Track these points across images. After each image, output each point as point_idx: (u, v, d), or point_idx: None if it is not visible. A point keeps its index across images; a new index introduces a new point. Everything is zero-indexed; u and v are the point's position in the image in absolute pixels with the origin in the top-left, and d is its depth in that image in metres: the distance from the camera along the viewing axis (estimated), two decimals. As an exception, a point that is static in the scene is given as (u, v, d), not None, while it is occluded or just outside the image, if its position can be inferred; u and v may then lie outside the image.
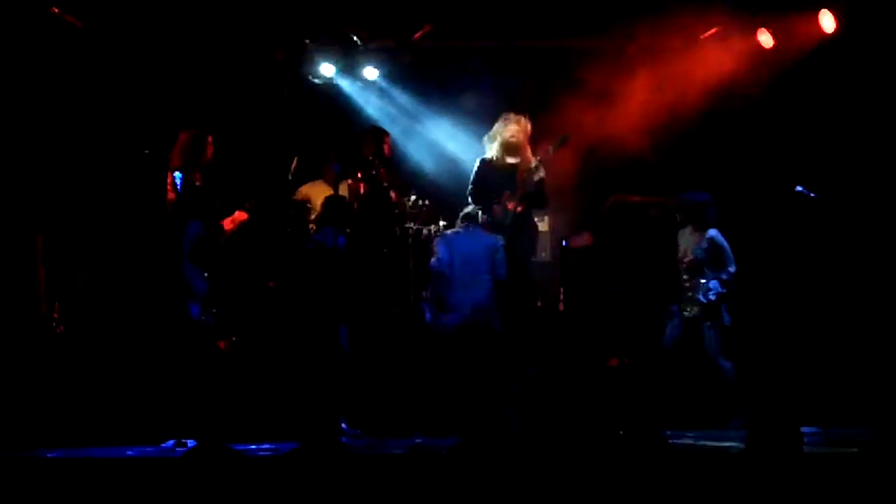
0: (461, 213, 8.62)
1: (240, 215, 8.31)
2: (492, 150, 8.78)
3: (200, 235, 7.70)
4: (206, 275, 7.66)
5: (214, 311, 7.66)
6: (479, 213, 8.59)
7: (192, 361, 7.47)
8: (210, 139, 8.04)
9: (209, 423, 7.25)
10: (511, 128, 8.69)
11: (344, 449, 6.53)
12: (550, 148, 8.75)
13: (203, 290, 7.60)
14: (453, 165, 10.26)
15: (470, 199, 8.79)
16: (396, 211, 9.23)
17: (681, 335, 8.54)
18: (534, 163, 8.72)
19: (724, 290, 8.44)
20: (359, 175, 9.05)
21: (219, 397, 7.55)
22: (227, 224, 8.23)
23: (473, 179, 8.81)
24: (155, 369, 8.08)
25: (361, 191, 9.09)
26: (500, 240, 8.38)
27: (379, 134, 9.32)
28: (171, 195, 7.80)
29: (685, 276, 8.58)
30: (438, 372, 8.40)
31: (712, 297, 8.43)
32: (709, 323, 8.44)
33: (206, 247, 7.71)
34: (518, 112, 8.84)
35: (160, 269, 7.78)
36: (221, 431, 7.35)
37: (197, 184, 7.88)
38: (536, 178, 8.71)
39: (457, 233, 8.54)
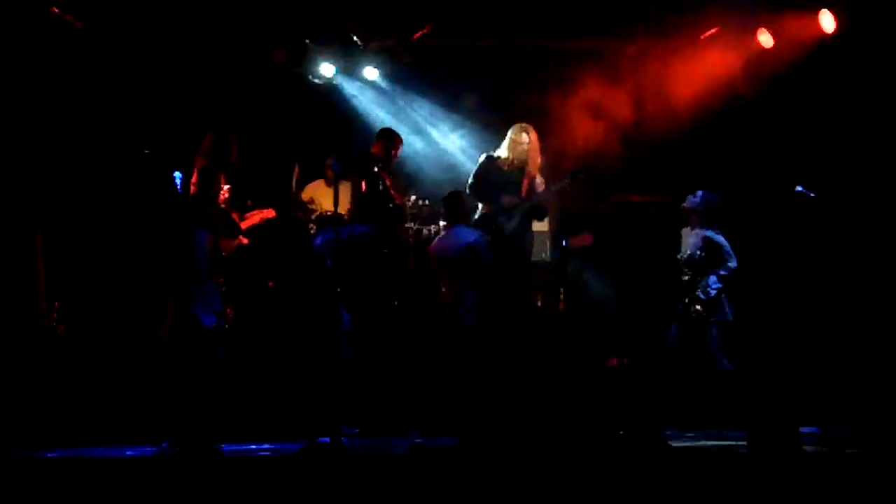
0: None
1: (267, 213, 7.96)
2: (502, 150, 8.82)
3: (209, 246, 7.34)
4: (219, 287, 7.46)
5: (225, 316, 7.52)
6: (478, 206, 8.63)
7: (193, 364, 7.41)
8: (235, 141, 7.56)
9: (204, 425, 7.21)
10: (524, 137, 8.75)
11: (344, 449, 6.54)
12: (566, 180, 8.80)
13: (220, 306, 7.37)
14: (453, 165, 10.25)
15: (469, 191, 8.79)
16: (397, 210, 9.21)
17: (684, 334, 8.55)
18: (538, 176, 8.78)
19: (722, 285, 8.46)
20: (375, 170, 8.90)
21: (218, 399, 7.52)
22: (247, 222, 7.81)
23: (476, 173, 8.84)
24: (154, 370, 8.06)
25: (363, 189, 9.05)
26: (480, 235, 8.41)
27: (392, 136, 9.28)
28: (193, 189, 7.34)
29: (686, 275, 8.59)
30: (438, 371, 8.40)
31: (712, 293, 8.44)
32: (711, 319, 8.45)
33: (215, 258, 7.41)
34: (517, 113, 8.85)
35: (166, 276, 7.61)
36: (220, 432, 7.33)
37: (224, 191, 7.44)
38: (538, 188, 8.79)
39: (439, 237, 8.56)
